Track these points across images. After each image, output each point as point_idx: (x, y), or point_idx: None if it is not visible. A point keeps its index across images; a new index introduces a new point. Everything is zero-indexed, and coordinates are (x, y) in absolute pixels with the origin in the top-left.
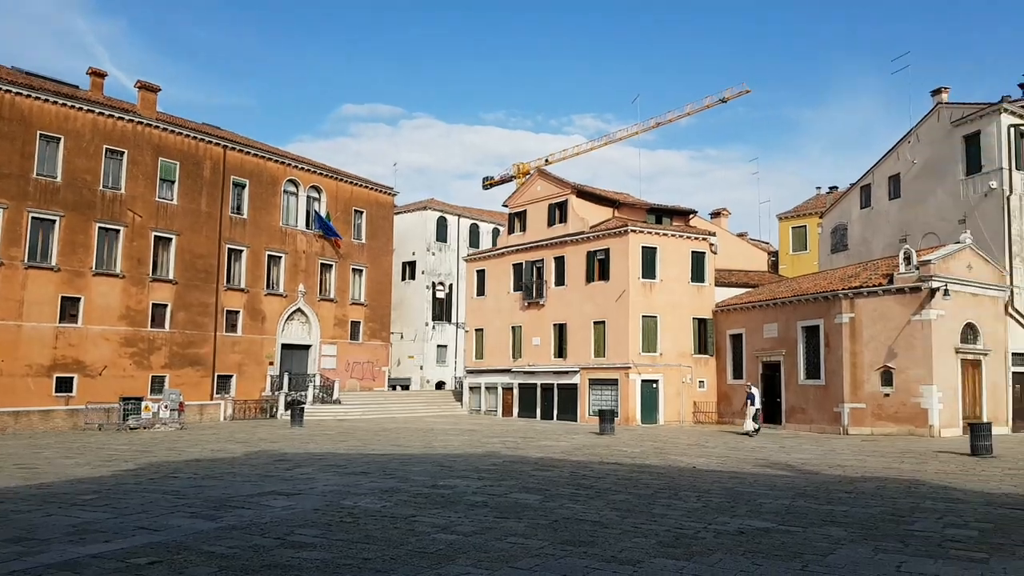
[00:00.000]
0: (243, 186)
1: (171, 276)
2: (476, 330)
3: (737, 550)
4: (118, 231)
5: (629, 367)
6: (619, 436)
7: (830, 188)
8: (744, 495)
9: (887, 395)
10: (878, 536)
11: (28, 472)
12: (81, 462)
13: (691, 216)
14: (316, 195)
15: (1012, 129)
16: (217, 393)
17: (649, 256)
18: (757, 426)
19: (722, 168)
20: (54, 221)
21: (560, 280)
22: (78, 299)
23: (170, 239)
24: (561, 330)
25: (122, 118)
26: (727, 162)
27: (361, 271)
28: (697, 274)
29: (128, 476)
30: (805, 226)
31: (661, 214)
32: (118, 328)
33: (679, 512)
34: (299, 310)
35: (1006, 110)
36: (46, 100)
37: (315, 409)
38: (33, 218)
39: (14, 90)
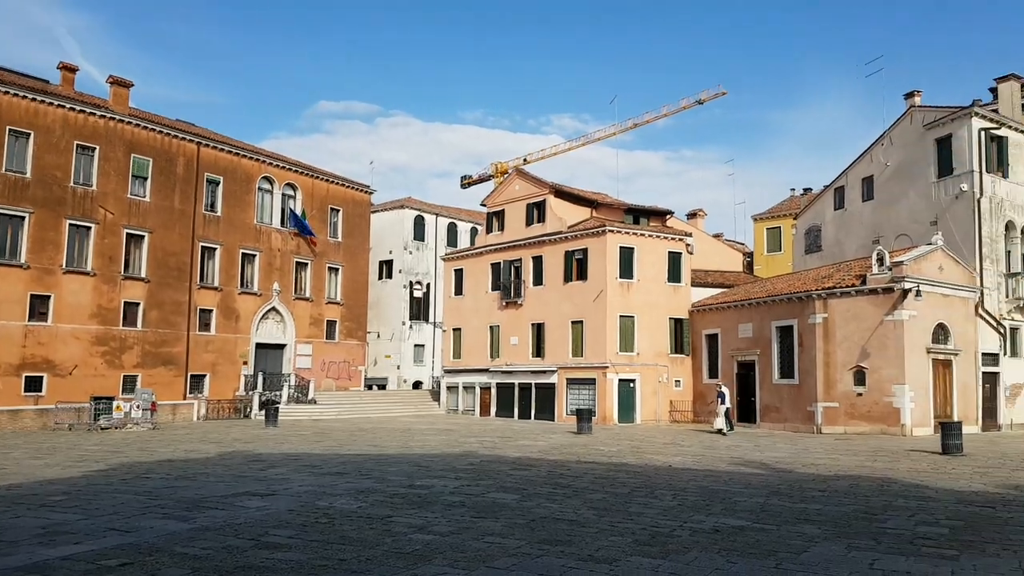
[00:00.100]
0: (217, 183)
1: (143, 274)
2: (454, 329)
3: (712, 548)
4: (89, 228)
5: (606, 367)
6: (596, 435)
7: (804, 190)
8: (719, 493)
9: (860, 394)
10: (851, 534)
11: None
12: (51, 463)
13: (668, 217)
14: (291, 193)
15: (983, 133)
16: (190, 393)
17: (626, 256)
18: (731, 424)
19: (698, 169)
20: (23, 218)
21: (538, 280)
22: (48, 297)
23: (142, 236)
24: (539, 330)
25: (93, 113)
26: (703, 163)
27: (337, 270)
28: (674, 274)
29: (99, 477)
30: (780, 227)
31: (638, 214)
32: (89, 327)
33: (655, 511)
34: (274, 309)
35: (977, 114)
36: (15, 95)
37: (290, 409)
38: (1, 214)
39: None
